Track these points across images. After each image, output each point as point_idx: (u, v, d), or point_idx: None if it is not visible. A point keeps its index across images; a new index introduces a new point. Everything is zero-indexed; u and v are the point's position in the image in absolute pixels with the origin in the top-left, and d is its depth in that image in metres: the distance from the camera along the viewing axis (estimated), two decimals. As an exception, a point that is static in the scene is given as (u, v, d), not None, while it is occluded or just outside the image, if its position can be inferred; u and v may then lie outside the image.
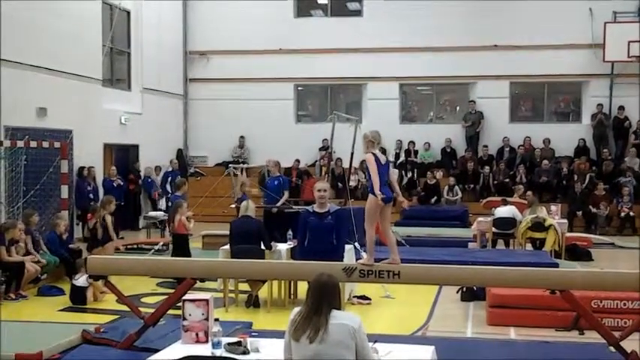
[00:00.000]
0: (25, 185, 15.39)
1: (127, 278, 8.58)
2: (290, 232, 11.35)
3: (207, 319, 5.90)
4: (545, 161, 21.54)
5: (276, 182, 14.58)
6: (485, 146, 22.89)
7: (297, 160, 22.61)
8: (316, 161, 23.02)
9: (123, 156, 21.20)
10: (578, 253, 15.27)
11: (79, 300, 10.97)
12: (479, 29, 22.68)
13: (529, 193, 17.07)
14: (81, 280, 10.89)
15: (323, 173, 18.72)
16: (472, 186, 22.01)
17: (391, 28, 23.07)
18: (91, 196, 17.42)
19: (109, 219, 12.51)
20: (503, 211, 15.29)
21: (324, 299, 4.77)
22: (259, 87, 23.89)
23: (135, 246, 16.33)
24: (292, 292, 10.68)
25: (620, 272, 6.94)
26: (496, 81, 23.07)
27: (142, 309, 7.76)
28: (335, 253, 8.19)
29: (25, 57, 15.92)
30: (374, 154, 6.79)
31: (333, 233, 8.51)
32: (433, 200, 21.24)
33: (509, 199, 16.72)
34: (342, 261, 8.25)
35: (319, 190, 8.68)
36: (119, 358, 7.01)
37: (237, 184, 15.80)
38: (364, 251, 10.30)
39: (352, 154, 14.77)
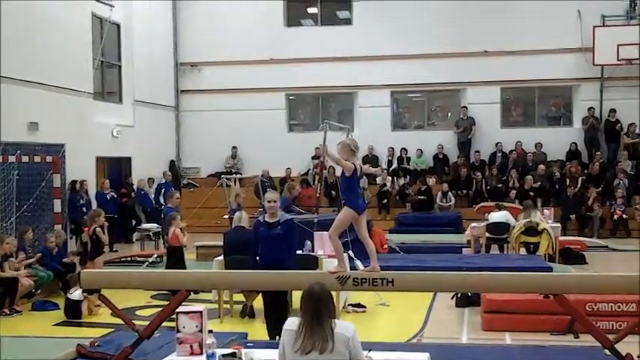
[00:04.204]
0: (18, 200, 15.35)
1: (121, 291, 8.55)
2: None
3: (201, 330, 5.89)
4: (542, 166, 21.57)
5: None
6: (478, 152, 22.95)
7: (289, 168, 22.70)
8: (309, 170, 23.03)
9: (115, 169, 21.18)
10: (572, 256, 15.30)
11: (74, 314, 10.95)
12: (468, 35, 22.76)
13: (527, 201, 16.68)
14: (76, 293, 10.86)
15: (316, 182, 18.70)
16: (465, 192, 22.06)
17: (381, 36, 23.14)
18: (84, 209, 17.31)
19: (100, 232, 12.47)
20: (497, 217, 15.32)
21: (323, 309, 4.76)
22: (251, 97, 23.91)
23: (129, 258, 16.29)
24: (287, 302, 10.66)
25: (614, 275, 6.95)
26: (487, 87, 23.13)
27: (136, 322, 7.71)
28: (285, 263, 8.20)
29: (15, 72, 15.88)
30: (354, 165, 6.73)
31: (284, 242, 8.53)
32: (426, 206, 21.26)
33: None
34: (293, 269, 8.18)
35: (269, 201, 8.69)
36: (114, 372, 6.99)
37: (232, 195, 15.81)
38: (358, 260, 10.34)
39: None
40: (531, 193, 20.20)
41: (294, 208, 15.46)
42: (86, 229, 12.75)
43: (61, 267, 12.77)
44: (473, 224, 16.01)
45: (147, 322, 7.41)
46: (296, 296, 9.69)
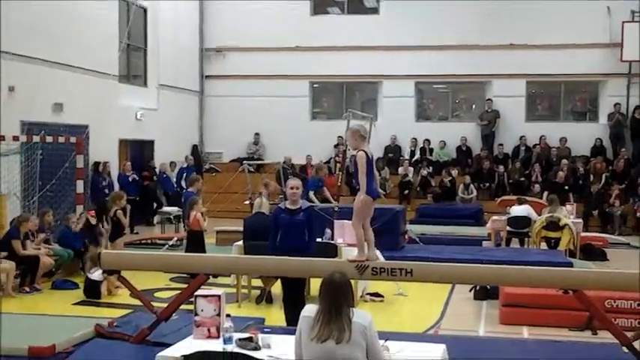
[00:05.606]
0: (41, 180, 15.48)
1: (140, 273, 8.60)
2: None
3: (218, 314, 5.92)
4: (565, 161, 21.35)
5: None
6: (501, 145, 22.83)
7: (309, 155, 22.62)
8: (331, 158, 23.01)
9: (138, 151, 21.28)
10: (593, 252, 15.19)
11: (93, 294, 11.05)
12: (495, 28, 22.61)
13: (553, 196, 16.45)
14: (96, 274, 10.94)
15: (337, 170, 18.70)
16: (487, 184, 21.93)
17: (407, 26, 23.04)
18: (107, 191, 17.44)
19: (120, 214, 12.56)
20: (519, 210, 15.25)
21: (342, 299, 4.75)
22: (275, 84, 23.92)
23: (149, 241, 16.39)
24: (306, 289, 10.69)
25: (633, 272, 6.88)
26: (512, 80, 22.97)
27: (155, 304, 7.79)
28: (306, 250, 8.20)
29: (41, 53, 15.99)
30: (365, 152, 6.71)
31: (305, 230, 8.52)
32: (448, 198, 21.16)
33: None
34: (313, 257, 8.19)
35: (291, 188, 8.67)
36: (131, 352, 7.03)
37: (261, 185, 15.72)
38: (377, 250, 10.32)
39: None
40: (566, 187, 19.95)
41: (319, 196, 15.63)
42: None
43: (81, 247, 12.86)
44: (494, 217, 15.96)
45: (165, 304, 7.47)
46: (314, 283, 9.71)
